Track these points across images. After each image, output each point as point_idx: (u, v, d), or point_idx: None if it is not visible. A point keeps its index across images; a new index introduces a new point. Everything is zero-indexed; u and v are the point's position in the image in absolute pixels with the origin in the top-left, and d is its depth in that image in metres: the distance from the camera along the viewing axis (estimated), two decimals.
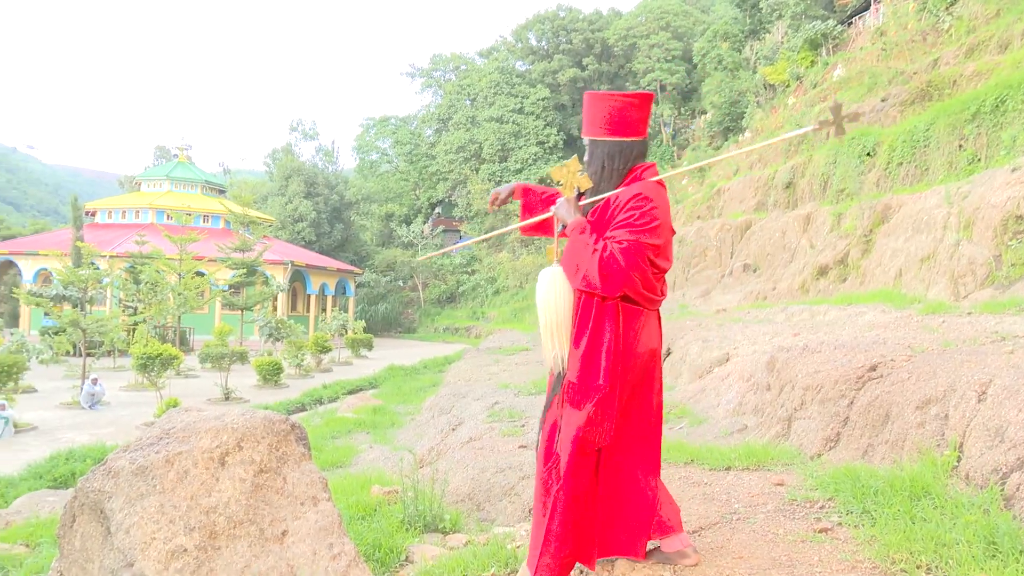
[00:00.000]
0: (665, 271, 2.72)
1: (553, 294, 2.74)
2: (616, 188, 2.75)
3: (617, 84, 55.81)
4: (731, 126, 41.33)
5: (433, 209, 58.51)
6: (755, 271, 18.04)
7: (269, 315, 25.70)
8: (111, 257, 27.68)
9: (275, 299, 32.07)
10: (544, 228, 3.16)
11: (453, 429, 8.14)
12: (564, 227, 2.79)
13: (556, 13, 56.48)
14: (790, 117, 25.86)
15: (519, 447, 6.46)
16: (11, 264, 35.55)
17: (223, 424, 3.41)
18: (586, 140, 2.84)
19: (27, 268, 33.71)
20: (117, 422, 14.80)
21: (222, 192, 42.66)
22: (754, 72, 39.61)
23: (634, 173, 2.77)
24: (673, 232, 2.74)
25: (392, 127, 61.07)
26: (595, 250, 2.58)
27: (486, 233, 50.47)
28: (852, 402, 4.91)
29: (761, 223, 19.16)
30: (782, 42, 37.52)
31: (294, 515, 3.39)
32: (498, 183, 50.70)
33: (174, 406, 14.16)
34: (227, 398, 17.20)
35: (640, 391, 2.80)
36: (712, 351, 8.94)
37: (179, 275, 23.48)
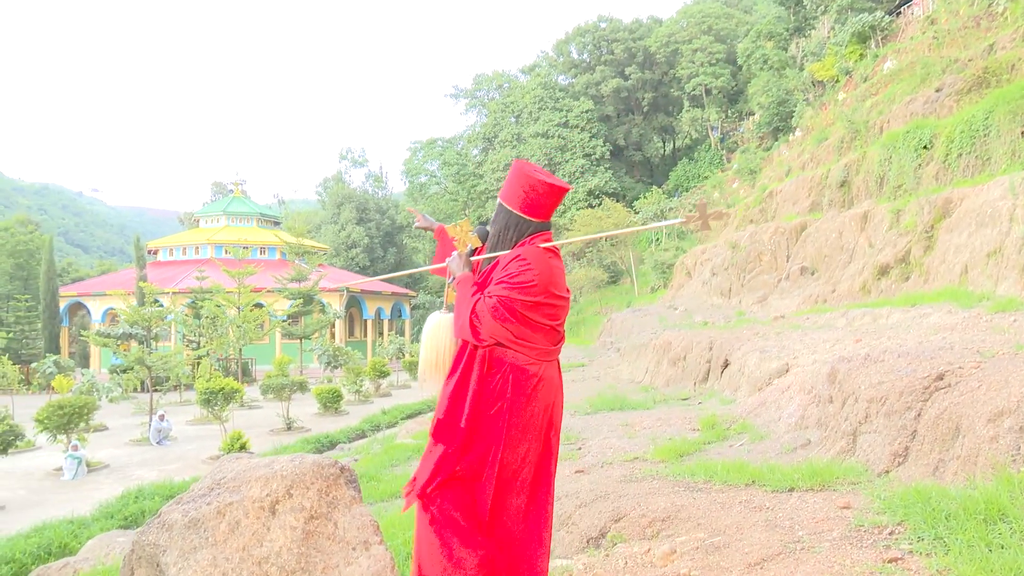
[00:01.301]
0: (552, 327, 2.91)
1: (436, 337, 3.07)
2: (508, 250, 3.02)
3: (661, 91, 55.44)
4: (780, 126, 40.60)
5: (484, 227, 58.82)
6: (813, 274, 17.60)
7: (326, 343, 26.07)
8: (173, 294, 28.48)
9: (332, 326, 32.54)
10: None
11: None
12: (453, 279, 3.11)
13: (597, 25, 56.45)
14: (841, 113, 25.25)
15: (575, 472, 6.37)
16: (81, 305, 36.88)
17: (272, 472, 3.42)
18: (499, 199, 3.09)
19: (96, 308, 34.93)
20: (184, 457, 15.13)
21: (277, 224, 43.60)
22: (801, 70, 38.89)
23: (529, 241, 3.00)
24: (561, 294, 2.93)
25: (439, 149, 61.69)
26: (472, 302, 2.88)
27: None
28: (919, 414, 4.69)
29: (816, 224, 18.70)
30: (829, 37, 36.79)
31: (346, 561, 3.36)
32: None
33: (238, 439, 14.45)
34: (289, 428, 17.45)
35: (535, 446, 2.95)
36: (771, 362, 8.70)
37: (238, 308, 24.01)
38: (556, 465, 3.09)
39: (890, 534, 3.32)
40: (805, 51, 39.62)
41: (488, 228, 3.24)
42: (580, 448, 7.47)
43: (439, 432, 2.95)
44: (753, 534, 3.60)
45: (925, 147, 15.68)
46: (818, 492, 4.36)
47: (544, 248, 2.95)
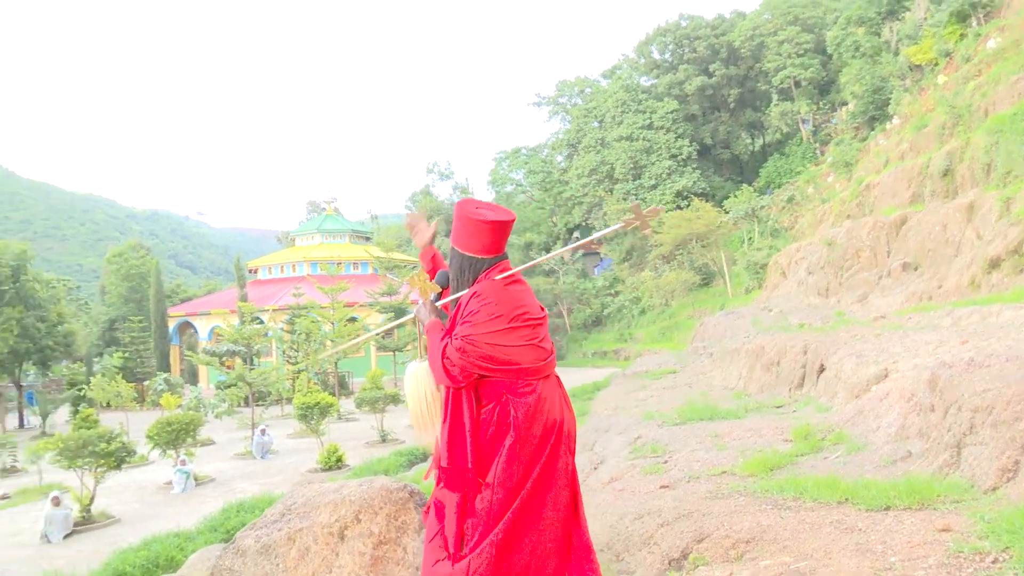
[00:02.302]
0: (533, 345, 2.92)
1: (417, 387, 3.11)
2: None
3: (748, 86, 54.04)
4: (876, 115, 38.84)
5: (571, 234, 58.70)
6: (916, 269, 16.72)
7: (418, 355, 26.42)
8: (272, 311, 29.55)
9: None
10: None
11: (595, 468, 7.94)
12: (423, 326, 3.16)
13: (678, 24, 55.55)
14: (941, 98, 23.94)
15: (660, 487, 6.20)
16: (189, 324, 38.74)
17: (341, 497, 3.45)
18: (451, 243, 3.14)
19: (202, 327, 36.62)
20: (285, 470, 15.62)
21: (368, 239, 44.68)
22: (896, 55, 37.13)
23: (484, 276, 3.05)
24: (531, 316, 2.95)
25: (524, 157, 61.97)
26: (441, 347, 2.91)
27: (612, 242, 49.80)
28: None
29: (918, 217, 17.77)
30: (925, 19, 35.00)
31: None
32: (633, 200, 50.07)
33: (334, 452, 14.81)
34: (384, 440, 17.79)
35: (546, 470, 2.92)
36: (868, 366, 8.27)
37: (332, 323, 24.68)
38: (576, 480, 3.08)
39: (993, 562, 3.06)
40: (900, 35, 37.83)
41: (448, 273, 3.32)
42: (666, 461, 7.28)
43: (450, 481, 2.95)
44: (842, 559, 3.40)
45: None
46: (916, 511, 4.08)
47: (500, 279, 3.01)
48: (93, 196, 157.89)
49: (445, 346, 2.90)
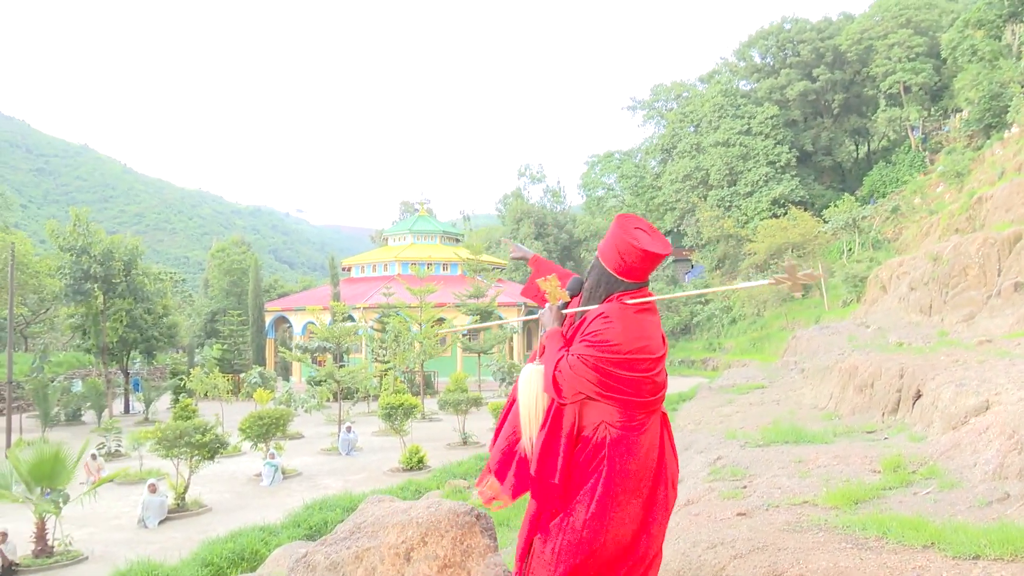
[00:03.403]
0: (646, 379, 2.83)
1: (529, 390, 3.05)
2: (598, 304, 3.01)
3: (853, 91, 52.05)
4: (993, 122, 36.75)
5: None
6: None
7: (502, 359, 26.63)
8: (364, 309, 30.30)
9: (511, 340, 33.23)
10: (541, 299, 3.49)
11: None
12: (544, 331, 3.13)
13: (781, 26, 54.02)
14: None
15: (737, 514, 6.03)
16: (285, 319, 40.16)
17: (409, 518, 3.50)
18: (597, 251, 3.10)
19: (297, 322, 37.89)
20: (367, 468, 16.00)
21: (458, 241, 45.24)
22: (1018, 59, 35.06)
23: (618, 297, 2.97)
24: (650, 352, 2.85)
25: (616, 162, 61.52)
26: (556, 359, 2.89)
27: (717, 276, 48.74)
28: None
29: None
30: None
31: None
32: (727, 208, 49.04)
33: (416, 453, 15.07)
34: (465, 443, 17.99)
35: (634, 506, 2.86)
36: (968, 396, 7.83)
37: (420, 324, 25.12)
38: (666, 522, 3.00)
39: None
40: (1021, 38, 35.68)
41: (583, 279, 3.27)
42: (746, 487, 7.08)
43: (534, 489, 2.93)
44: None
45: None
46: (1009, 563, 3.84)
47: (633, 304, 2.91)
48: (201, 192, 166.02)
49: (560, 358, 2.87)
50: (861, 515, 5.36)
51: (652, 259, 2.92)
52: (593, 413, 2.86)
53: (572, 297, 3.27)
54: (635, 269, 2.93)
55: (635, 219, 3.02)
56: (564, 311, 3.20)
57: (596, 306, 2.98)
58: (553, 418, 2.91)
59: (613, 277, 2.97)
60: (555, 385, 2.86)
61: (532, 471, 2.92)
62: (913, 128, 46.96)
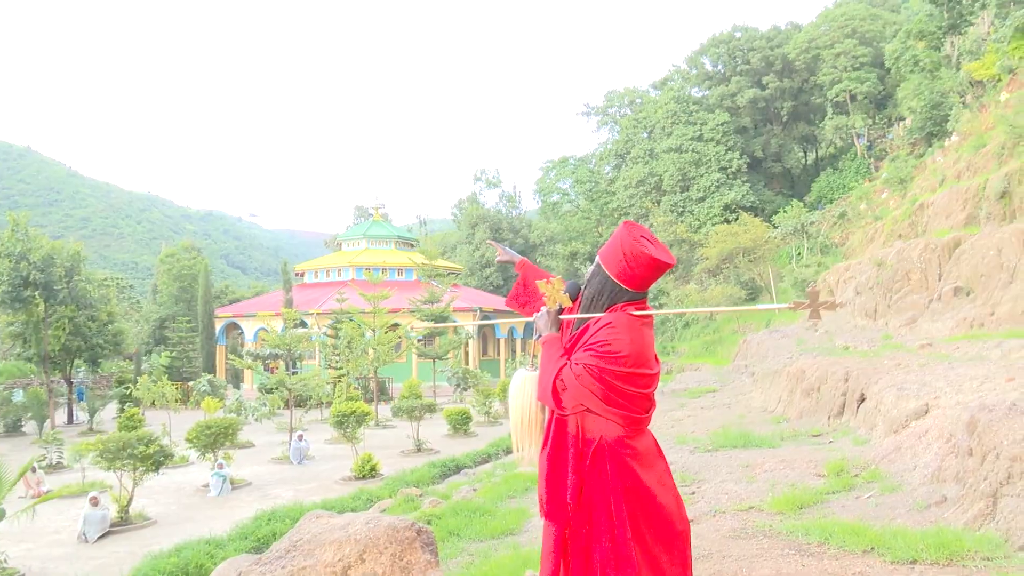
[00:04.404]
0: (644, 395, 2.75)
1: (522, 397, 3.00)
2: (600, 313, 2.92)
3: (801, 99, 53.13)
4: (934, 131, 37.79)
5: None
6: (968, 295, 16.19)
7: (457, 364, 26.51)
8: (317, 315, 29.91)
9: (466, 346, 33.10)
10: (527, 307, 3.43)
11: None
12: (539, 336, 3.01)
13: (731, 35, 54.89)
14: (1002, 116, 23.20)
15: None
16: (236, 326, 39.45)
17: (347, 535, 3.43)
18: (597, 257, 2.99)
19: (248, 328, 37.25)
20: (319, 476, 15.75)
21: (413, 246, 45.02)
22: (957, 70, 36.10)
23: (622, 307, 2.88)
24: (650, 368, 2.78)
25: (571, 167, 61.83)
26: (557, 367, 2.78)
27: None
28: None
29: (972, 240, 17.21)
30: (988, 33, 33.95)
31: None
32: (680, 213, 49.67)
33: (368, 461, 14.90)
34: (419, 449, 17.84)
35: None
36: (909, 400, 8.01)
37: (373, 330, 24.88)
38: (688, 532, 2.86)
39: None
40: (961, 50, 36.75)
41: (579, 284, 3.16)
42: (694, 492, 7.13)
43: (549, 511, 2.83)
44: None
45: None
46: (944, 567, 3.92)
47: (638, 315, 2.82)
48: (151, 196, 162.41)
49: (562, 367, 2.77)
50: (805, 520, 5.43)
51: (659, 268, 2.84)
52: (594, 427, 2.76)
53: (572, 301, 3.14)
54: (640, 278, 2.85)
55: (640, 227, 2.92)
56: (561, 316, 3.07)
57: (600, 314, 2.87)
58: (556, 432, 2.82)
59: (617, 286, 2.86)
60: (556, 395, 2.76)
61: (544, 492, 2.84)
62: (859, 136, 48.11)
